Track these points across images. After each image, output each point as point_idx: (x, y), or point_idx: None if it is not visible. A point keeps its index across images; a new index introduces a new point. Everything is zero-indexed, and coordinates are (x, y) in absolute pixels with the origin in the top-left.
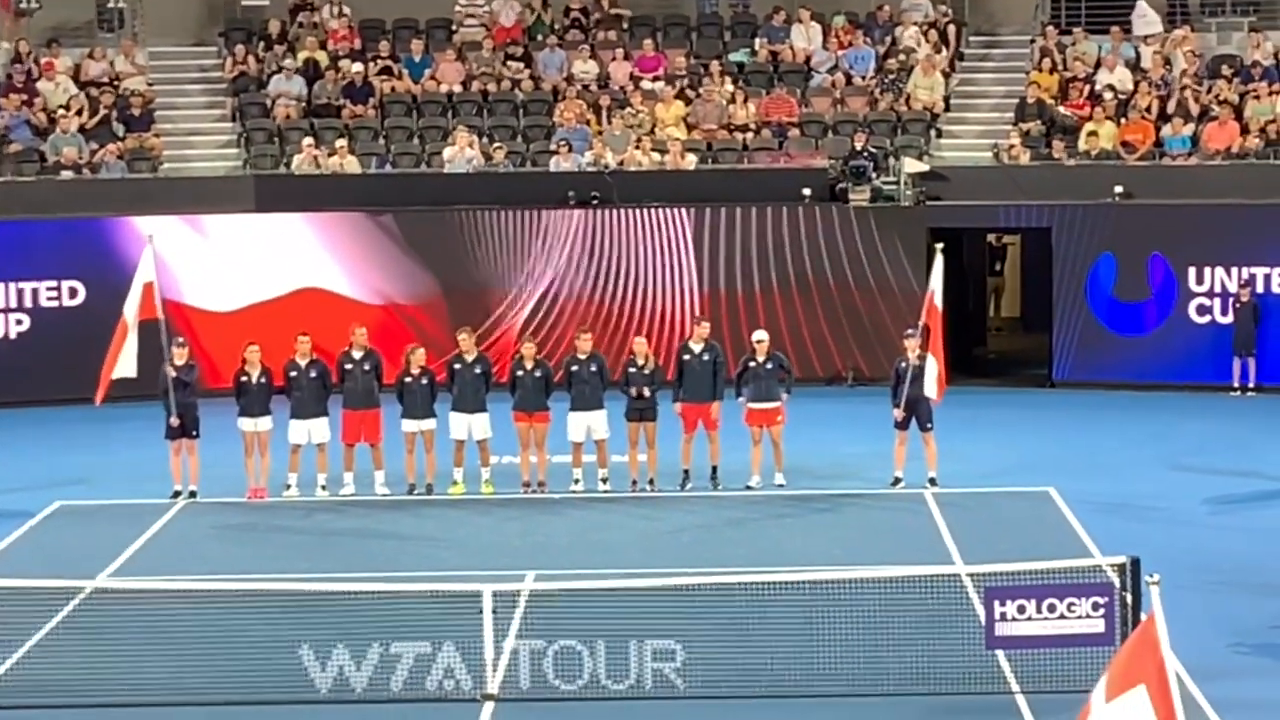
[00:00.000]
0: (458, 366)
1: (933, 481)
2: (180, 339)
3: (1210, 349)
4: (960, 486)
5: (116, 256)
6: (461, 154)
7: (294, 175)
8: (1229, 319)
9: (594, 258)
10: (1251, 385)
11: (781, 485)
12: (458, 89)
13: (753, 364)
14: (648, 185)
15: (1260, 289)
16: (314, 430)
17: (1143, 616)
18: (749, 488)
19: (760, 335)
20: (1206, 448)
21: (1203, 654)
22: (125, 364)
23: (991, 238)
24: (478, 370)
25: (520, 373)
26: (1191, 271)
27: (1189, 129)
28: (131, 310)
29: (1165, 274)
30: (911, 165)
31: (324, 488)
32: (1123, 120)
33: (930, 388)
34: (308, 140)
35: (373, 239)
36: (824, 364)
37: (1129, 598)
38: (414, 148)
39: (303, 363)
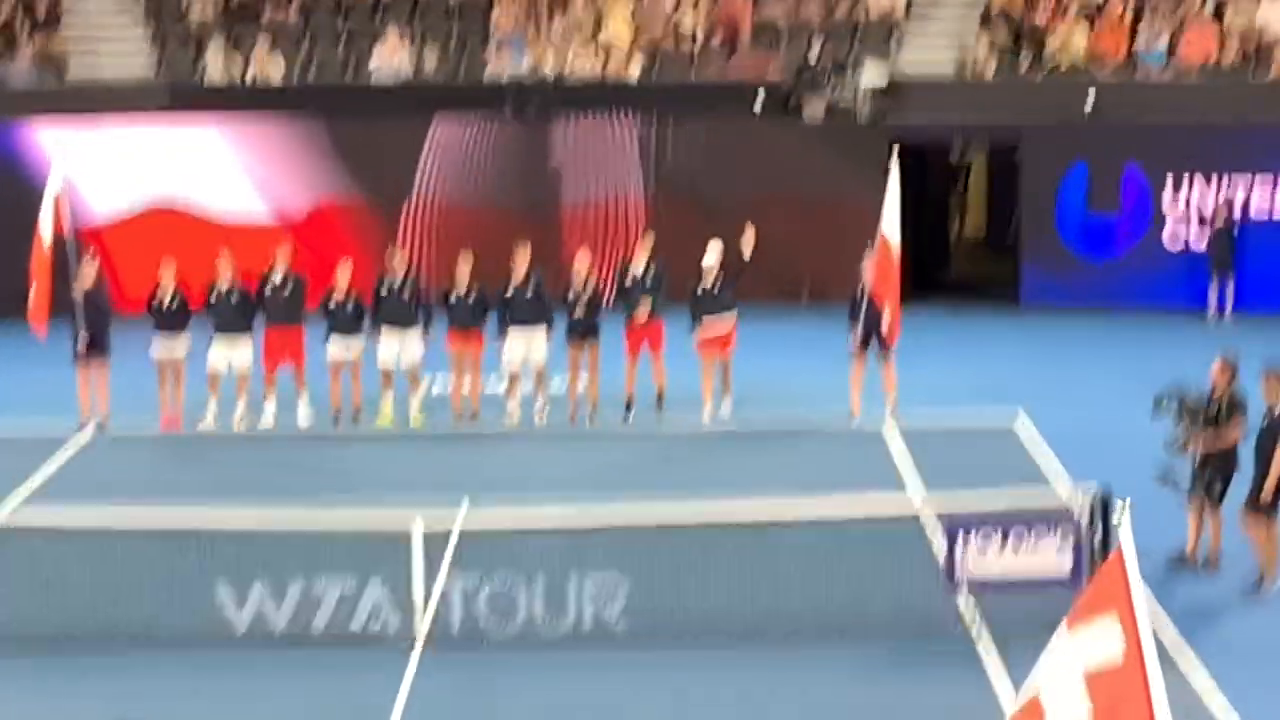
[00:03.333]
0: (384, 294)
1: (892, 410)
2: (90, 254)
3: (1185, 272)
4: (921, 414)
5: (21, 165)
6: (390, 60)
7: (210, 84)
8: (1203, 246)
9: (531, 170)
10: (1228, 310)
11: (726, 419)
12: None
13: (701, 290)
14: (590, 94)
15: (1237, 212)
16: (235, 356)
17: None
18: (701, 421)
19: (710, 259)
20: (1180, 375)
21: (1171, 588)
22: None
23: (955, 154)
24: (406, 295)
25: (455, 295)
26: (1168, 188)
27: (1164, 40)
28: (46, 228)
29: (1139, 191)
30: (870, 76)
31: (242, 418)
32: (1093, 29)
33: (884, 327)
34: (214, 46)
35: (294, 148)
36: (780, 282)
37: (1098, 533)
38: (339, 54)
39: (223, 286)
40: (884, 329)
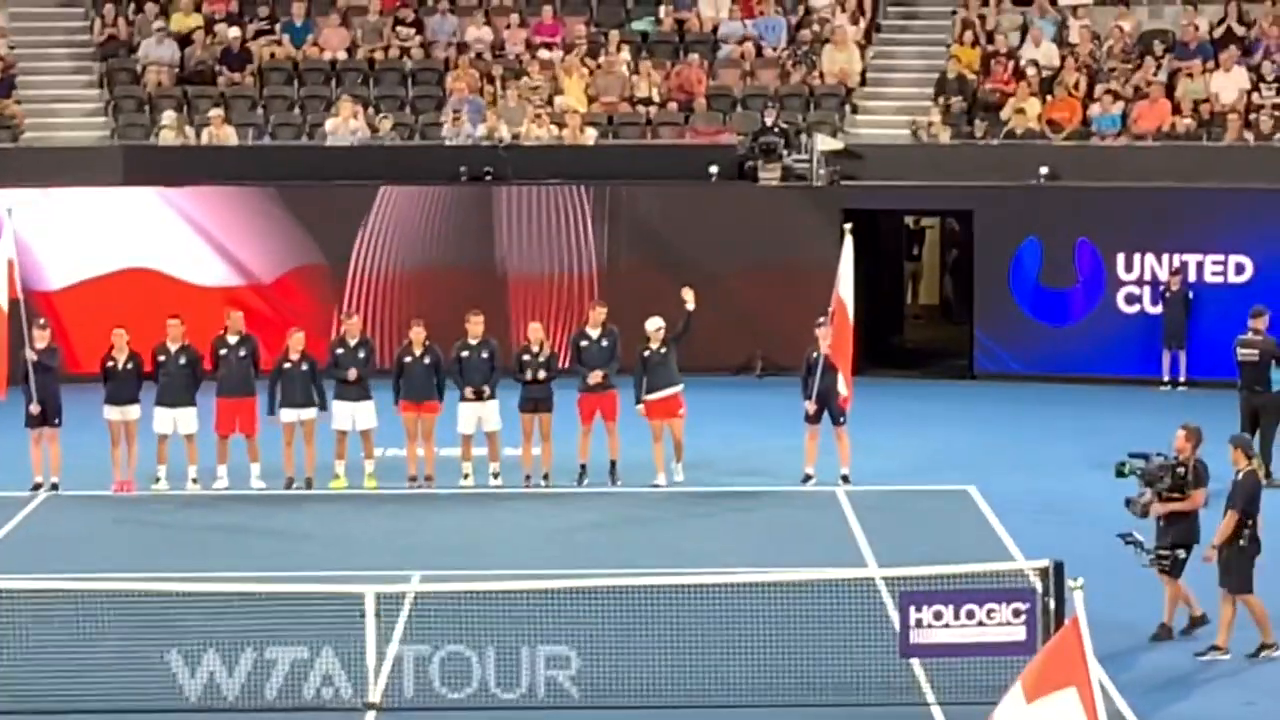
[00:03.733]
0: (340, 351)
1: (845, 479)
2: (41, 320)
3: (1139, 340)
4: (875, 484)
5: None
6: (345, 125)
7: (165, 147)
8: (1159, 309)
9: (486, 237)
10: (1182, 379)
11: (679, 481)
12: (342, 56)
13: (647, 353)
14: (545, 161)
15: (1192, 277)
16: (180, 420)
17: (1066, 622)
18: (655, 486)
19: (654, 324)
20: (1134, 445)
21: (1126, 663)
22: None
23: (909, 220)
24: (362, 355)
25: (408, 359)
26: (1120, 258)
27: (1118, 108)
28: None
29: (1093, 260)
30: (825, 143)
31: (195, 481)
32: (1049, 97)
33: (840, 385)
34: (170, 113)
35: (249, 214)
36: (732, 353)
37: (1052, 603)
38: (295, 118)
39: (173, 347)
40: (839, 396)
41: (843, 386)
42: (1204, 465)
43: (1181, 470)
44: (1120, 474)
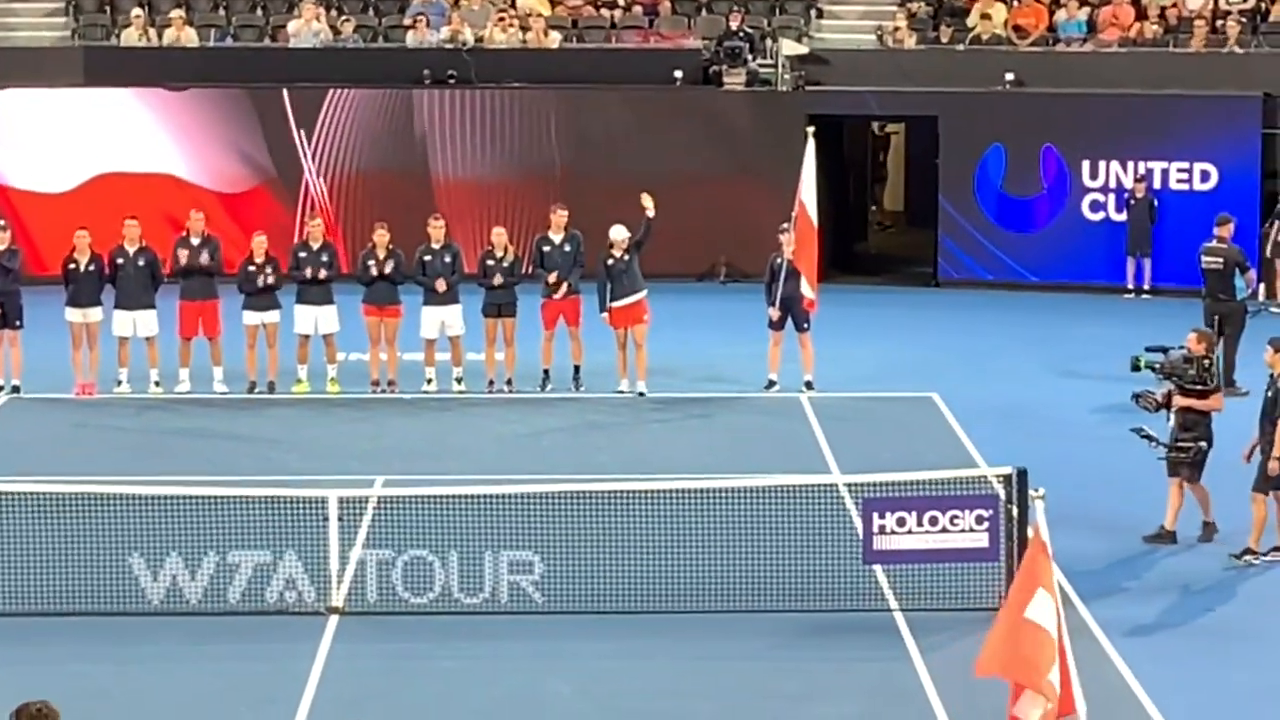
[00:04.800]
0: (303, 254)
1: (809, 385)
2: (1, 221)
3: (1104, 248)
4: (838, 391)
5: None
6: (307, 28)
7: (126, 48)
8: (1123, 216)
9: (448, 141)
10: (1147, 287)
11: (643, 394)
12: None
13: (610, 261)
14: (508, 64)
15: (1157, 185)
16: (140, 322)
17: (1029, 531)
18: (619, 392)
19: (617, 233)
20: (1098, 353)
21: (1089, 571)
22: None
23: (875, 127)
24: (324, 259)
25: (371, 263)
26: (1085, 165)
27: (1084, 13)
28: None
29: (1058, 167)
30: (790, 48)
31: (158, 384)
32: (1015, 3)
33: (805, 289)
34: (136, 12)
35: (212, 117)
36: (695, 259)
37: (1015, 511)
38: (257, 19)
39: (131, 249)
40: (803, 301)
41: (807, 290)
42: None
43: (1206, 362)
44: (1135, 368)
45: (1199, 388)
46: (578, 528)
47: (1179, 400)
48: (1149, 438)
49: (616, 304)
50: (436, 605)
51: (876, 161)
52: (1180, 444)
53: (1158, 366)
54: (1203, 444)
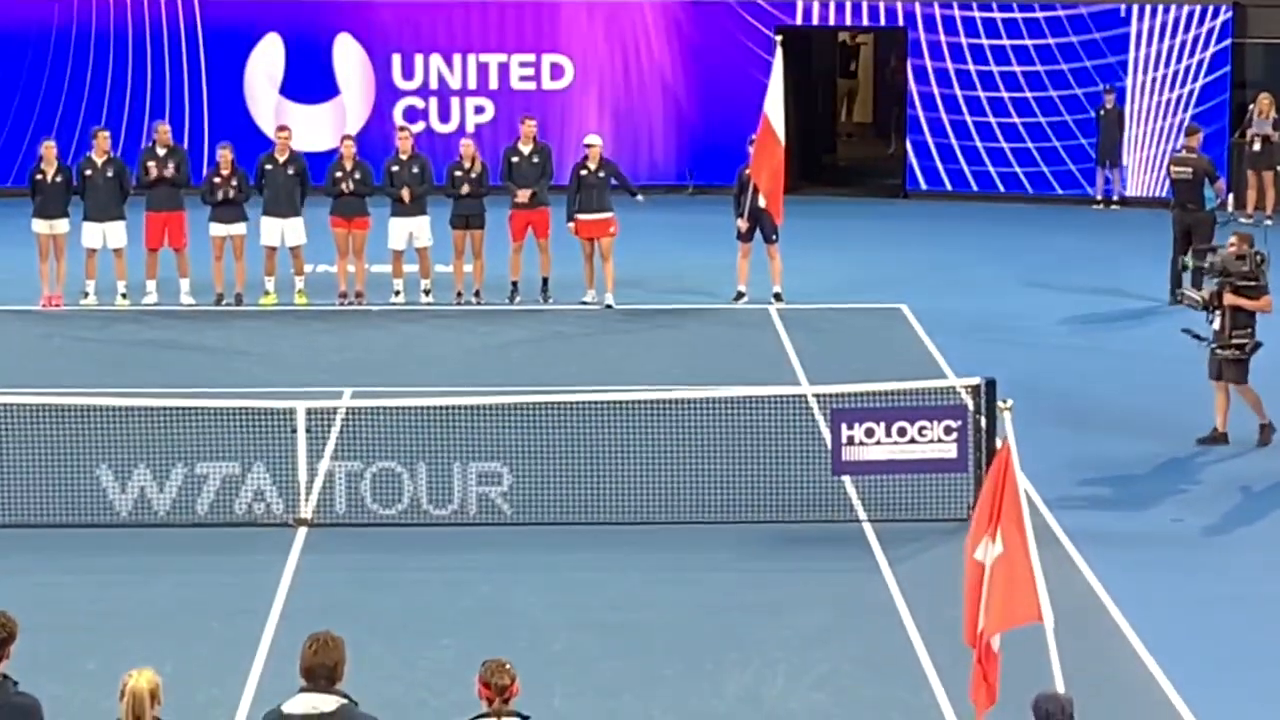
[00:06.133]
0: (269, 167)
1: (778, 297)
2: None
3: (1073, 158)
4: (807, 302)
5: None
6: None
7: None
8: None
9: (418, 52)
10: (1116, 198)
11: (610, 307)
12: None
13: (584, 172)
14: None
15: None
16: (109, 234)
17: (997, 443)
18: (584, 303)
19: (592, 139)
20: (1067, 264)
21: (1056, 482)
22: None
23: (845, 36)
24: (291, 171)
25: (339, 174)
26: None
27: None
28: None
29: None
30: None
31: (124, 296)
32: None
33: (760, 202)
34: None
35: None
36: (664, 169)
37: (983, 421)
38: None
39: (99, 160)
40: (757, 216)
41: (762, 201)
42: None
43: (1260, 258)
44: (1184, 267)
45: (1252, 284)
46: (546, 439)
47: (1229, 299)
48: (1197, 336)
49: (583, 216)
50: (405, 517)
51: (847, 72)
52: (1236, 340)
53: (1208, 266)
54: (1258, 341)
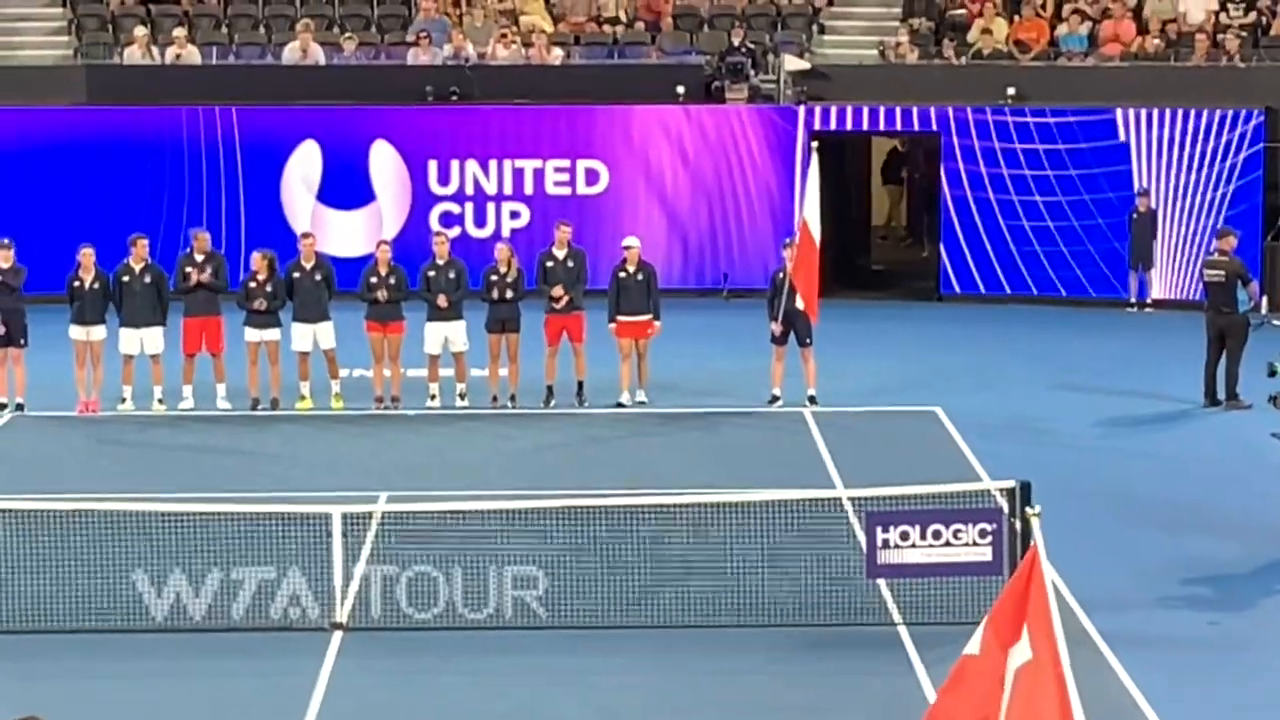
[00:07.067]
0: (296, 275)
1: (812, 400)
2: (5, 239)
3: (1106, 261)
4: (842, 405)
5: None
6: (303, 55)
7: (129, 66)
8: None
9: (454, 158)
10: (1149, 300)
11: (643, 403)
12: None
13: (623, 274)
14: (511, 81)
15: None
16: (146, 340)
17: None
18: (620, 405)
19: (630, 241)
20: (1101, 367)
21: (1092, 584)
22: None
23: (897, 142)
24: (318, 277)
25: (374, 279)
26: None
27: (1085, 28)
28: None
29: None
30: (792, 63)
31: (161, 401)
32: (1016, 18)
33: (798, 304)
34: (140, 30)
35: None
36: (698, 273)
37: (1018, 525)
38: (259, 38)
39: (137, 267)
40: (791, 319)
41: (800, 304)
42: None
43: None
44: (1272, 373)
45: None
46: (581, 543)
47: None
48: None
49: (623, 318)
50: (440, 621)
51: (897, 178)
52: None
53: None
54: None
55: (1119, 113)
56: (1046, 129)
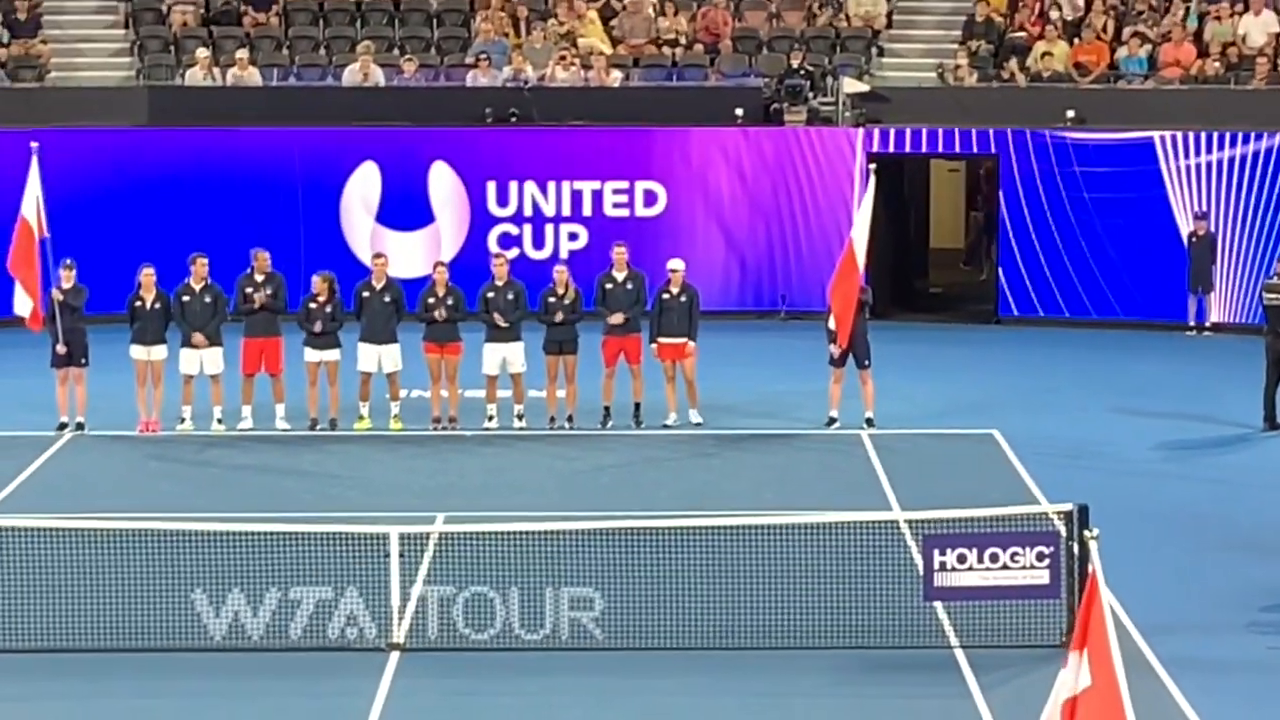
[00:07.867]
0: (366, 294)
1: (870, 422)
2: (68, 260)
3: (1165, 284)
4: (899, 428)
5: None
6: (363, 78)
7: (190, 88)
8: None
9: (512, 179)
10: (1208, 324)
11: (699, 424)
12: None
13: (666, 296)
14: (570, 103)
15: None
16: (206, 360)
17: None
18: (666, 426)
19: (675, 263)
20: (1159, 390)
21: (1151, 609)
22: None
23: (985, 168)
24: (387, 298)
25: (432, 300)
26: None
27: (1145, 50)
28: (32, 218)
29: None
30: (850, 85)
31: (220, 421)
32: (1076, 40)
33: (830, 324)
34: (202, 51)
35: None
36: (755, 295)
37: (1075, 548)
38: (320, 59)
39: (197, 286)
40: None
41: (832, 324)
42: None
43: None
44: None
45: None
46: (638, 564)
47: None
48: None
49: (664, 339)
50: (497, 642)
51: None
52: None
53: None
54: None
55: (1178, 135)
56: (1106, 151)
